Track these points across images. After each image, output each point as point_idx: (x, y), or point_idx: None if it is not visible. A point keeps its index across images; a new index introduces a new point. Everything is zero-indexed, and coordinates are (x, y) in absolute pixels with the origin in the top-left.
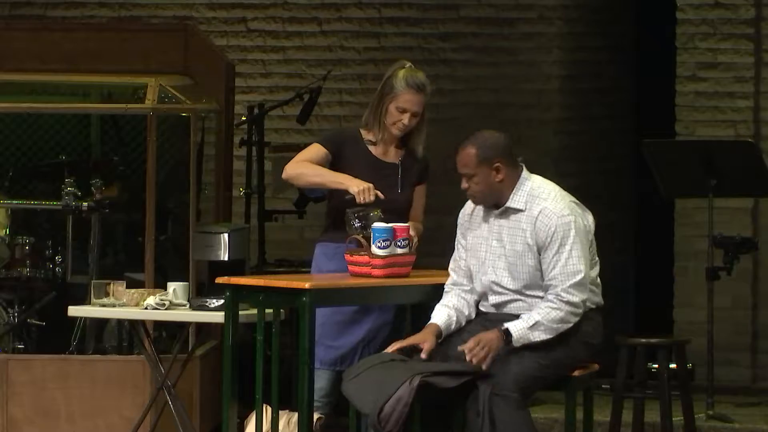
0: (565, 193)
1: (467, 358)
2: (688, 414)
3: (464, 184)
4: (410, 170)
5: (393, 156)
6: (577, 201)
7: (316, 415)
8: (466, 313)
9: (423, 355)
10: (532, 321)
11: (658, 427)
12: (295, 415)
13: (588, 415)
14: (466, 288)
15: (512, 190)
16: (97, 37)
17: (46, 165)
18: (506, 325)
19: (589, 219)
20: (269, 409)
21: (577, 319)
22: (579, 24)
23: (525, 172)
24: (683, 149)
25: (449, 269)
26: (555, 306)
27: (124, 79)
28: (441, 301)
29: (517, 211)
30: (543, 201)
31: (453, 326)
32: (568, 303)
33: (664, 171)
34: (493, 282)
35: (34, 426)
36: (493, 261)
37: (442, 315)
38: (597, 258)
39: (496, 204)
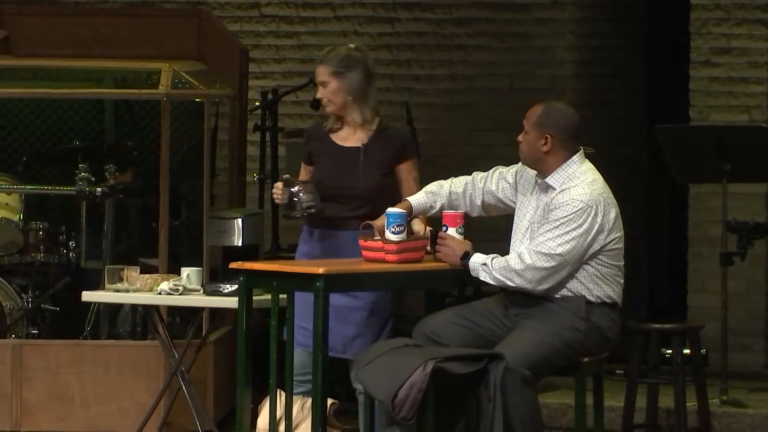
0: (602, 185)
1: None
2: (701, 399)
3: (520, 137)
4: (377, 152)
5: (356, 140)
6: (611, 197)
7: (329, 401)
8: (458, 197)
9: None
10: (486, 261)
11: (672, 413)
12: (309, 400)
13: (598, 400)
14: (481, 186)
15: (556, 169)
16: (111, 23)
17: (60, 150)
18: (473, 253)
19: (611, 213)
20: (283, 394)
21: (522, 282)
22: (592, 9)
23: (578, 157)
24: (697, 135)
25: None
26: (510, 258)
27: (137, 64)
28: (448, 180)
29: (553, 189)
30: (573, 185)
31: (431, 208)
32: (521, 261)
33: (677, 156)
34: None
35: (48, 411)
36: (523, 233)
37: (420, 196)
38: (619, 246)
39: (541, 175)
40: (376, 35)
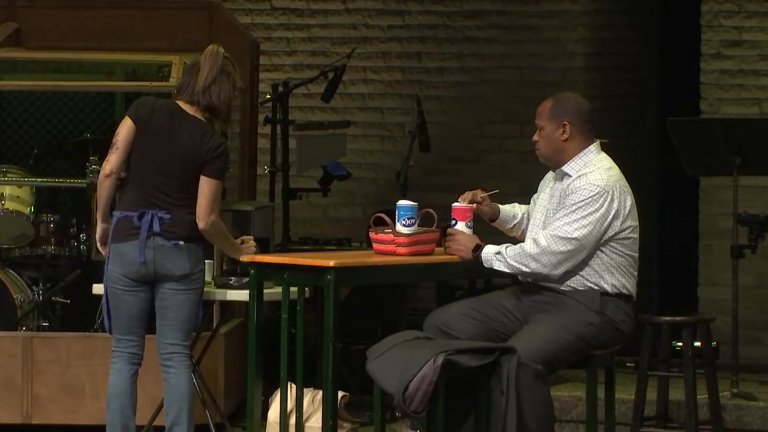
0: (618, 173)
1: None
2: (712, 392)
3: (535, 136)
4: None
5: None
6: (626, 186)
7: (340, 394)
8: (525, 217)
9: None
10: (500, 250)
11: (682, 405)
12: (320, 393)
13: (610, 393)
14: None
15: (573, 157)
16: (122, 15)
17: (71, 143)
18: (484, 245)
19: (627, 201)
20: (294, 386)
21: (538, 267)
22: (604, 1)
23: (594, 147)
24: (708, 127)
25: None
26: (525, 244)
27: (149, 57)
28: None
29: (568, 176)
30: (589, 171)
31: (513, 217)
32: (537, 245)
33: (688, 149)
34: None
35: (58, 403)
36: (537, 224)
37: (507, 205)
38: (634, 236)
39: (557, 166)
40: (387, 28)
